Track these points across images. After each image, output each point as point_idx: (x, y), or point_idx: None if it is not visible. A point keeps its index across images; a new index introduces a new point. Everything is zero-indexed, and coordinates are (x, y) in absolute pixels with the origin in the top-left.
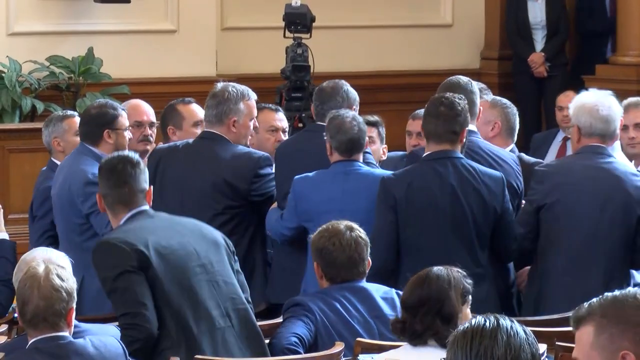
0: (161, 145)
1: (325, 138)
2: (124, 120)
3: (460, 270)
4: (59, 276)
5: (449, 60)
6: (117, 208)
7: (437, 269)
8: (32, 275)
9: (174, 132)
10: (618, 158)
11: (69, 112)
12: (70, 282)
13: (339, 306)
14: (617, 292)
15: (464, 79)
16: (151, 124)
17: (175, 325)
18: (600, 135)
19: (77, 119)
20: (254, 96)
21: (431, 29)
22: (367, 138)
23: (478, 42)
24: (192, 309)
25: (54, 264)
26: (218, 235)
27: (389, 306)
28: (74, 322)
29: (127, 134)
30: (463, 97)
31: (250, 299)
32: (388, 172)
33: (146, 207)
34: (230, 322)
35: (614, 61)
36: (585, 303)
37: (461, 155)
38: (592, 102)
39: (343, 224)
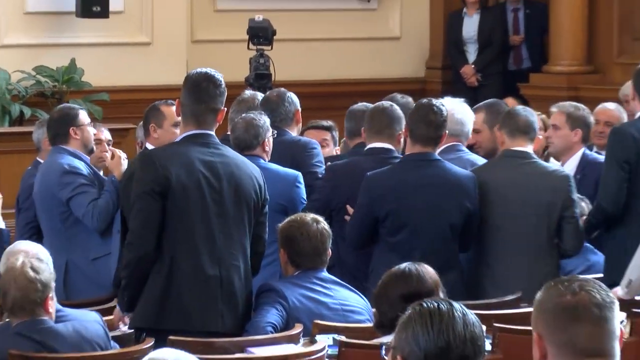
0: None
1: None
2: (85, 117)
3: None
4: (33, 269)
5: (397, 69)
6: (189, 120)
7: (417, 267)
8: (11, 268)
9: (155, 129)
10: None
11: None
12: (45, 274)
13: (309, 293)
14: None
15: (388, 103)
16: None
17: (167, 257)
18: (455, 135)
19: None
20: None
21: (381, 41)
22: (267, 137)
23: (423, 53)
24: (187, 249)
25: (32, 258)
26: (252, 191)
27: (349, 291)
28: (55, 307)
29: (91, 129)
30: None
31: (259, 252)
32: (290, 170)
33: (211, 132)
34: (219, 273)
35: (547, 70)
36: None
37: (440, 158)
38: (448, 108)
39: (309, 216)
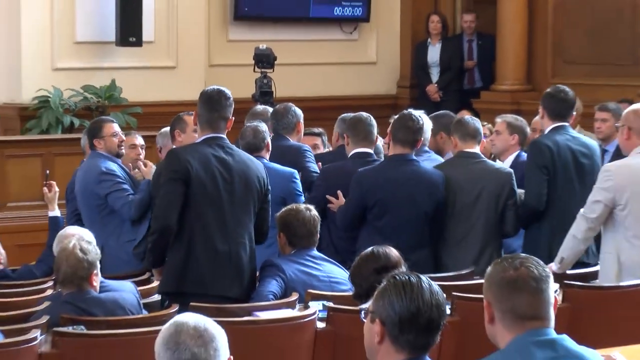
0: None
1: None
2: (109, 128)
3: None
4: (82, 250)
5: (373, 88)
6: (204, 126)
7: (383, 248)
8: (64, 248)
9: (179, 134)
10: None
11: None
12: (92, 255)
13: (303, 268)
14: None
15: (364, 114)
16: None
17: (186, 236)
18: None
19: None
20: None
21: (360, 65)
22: (267, 141)
23: (395, 75)
24: (202, 230)
25: (82, 240)
26: (257, 183)
27: (335, 266)
28: (99, 280)
29: (115, 139)
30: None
31: (264, 232)
32: (288, 169)
33: (223, 135)
34: (229, 249)
35: (494, 88)
36: None
37: (416, 158)
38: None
39: (302, 205)
